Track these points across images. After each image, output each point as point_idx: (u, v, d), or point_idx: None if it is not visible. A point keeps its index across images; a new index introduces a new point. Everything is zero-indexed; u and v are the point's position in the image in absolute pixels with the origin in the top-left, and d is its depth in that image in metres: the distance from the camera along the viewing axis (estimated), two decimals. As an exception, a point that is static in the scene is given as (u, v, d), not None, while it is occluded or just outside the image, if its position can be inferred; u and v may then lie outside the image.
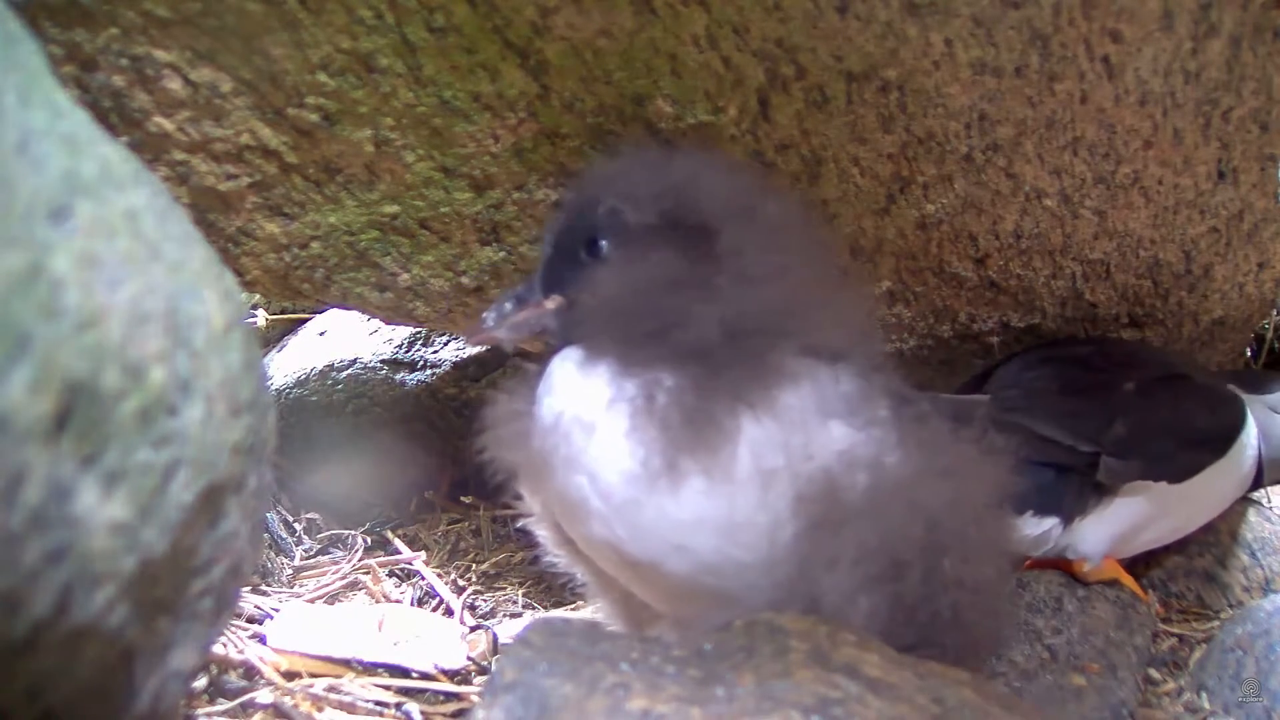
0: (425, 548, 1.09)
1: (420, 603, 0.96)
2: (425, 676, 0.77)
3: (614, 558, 0.63)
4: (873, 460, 0.60)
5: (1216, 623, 0.95)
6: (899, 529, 0.58)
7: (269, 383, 0.64)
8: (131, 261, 0.42)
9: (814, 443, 0.59)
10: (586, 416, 0.60)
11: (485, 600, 0.99)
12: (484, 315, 0.67)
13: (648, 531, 0.60)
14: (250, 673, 0.72)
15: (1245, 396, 0.97)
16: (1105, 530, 0.86)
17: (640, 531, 0.60)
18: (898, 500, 0.59)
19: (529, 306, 0.66)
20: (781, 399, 0.60)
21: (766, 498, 0.58)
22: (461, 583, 1.01)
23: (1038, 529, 0.84)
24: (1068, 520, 0.85)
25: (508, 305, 0.66)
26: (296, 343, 1.39)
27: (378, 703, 0.71)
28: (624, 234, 0.63)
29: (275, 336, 1.45)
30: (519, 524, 1.17)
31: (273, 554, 1.03)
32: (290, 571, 1.01)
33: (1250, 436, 0.94)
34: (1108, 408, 0.86)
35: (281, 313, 1.47)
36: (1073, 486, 0.85)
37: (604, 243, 0.64)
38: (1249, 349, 1.23)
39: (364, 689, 0.72)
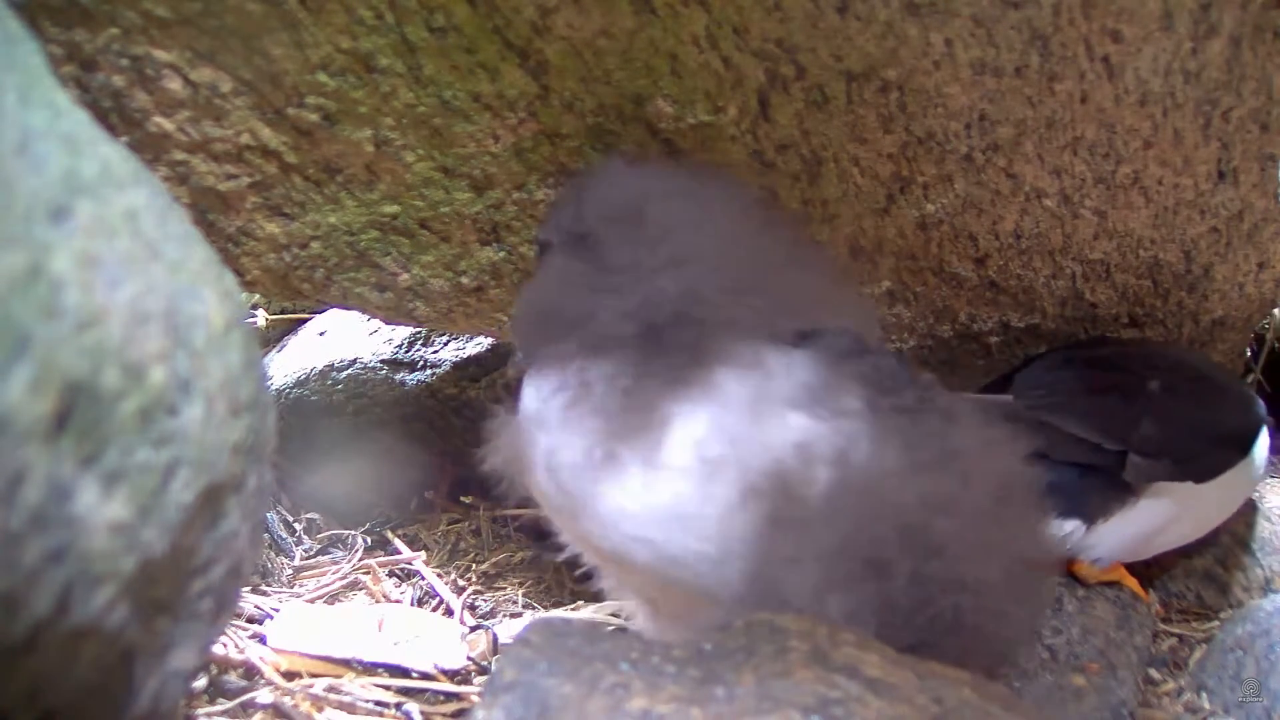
0: (425, 548, 1.09)
1: (420, 603, 0.96)
2: (425, 676, 0.77)
3: (592, 551, 0.65)
4: (838, 454, 0.58)
5: (1216, 623, 0.95)
6: (870, 527, 0.57)
7: (269, 383, 0.64)
8: (131, 261, 0.42)
9: (766, 432, 0.58)
10: (537, 413, 0.64)
11: (485, 600, 0.98)
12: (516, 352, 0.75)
13: (606, 524, 0.61)
14: (250, 673, 0.72)
15: None
16: (1124, 533, 0.86)
17: (600, 524, 0.61)
18: (869, 497, 0.57)
19: None
20: (724, 385, 0.60)
21: (711, 488, 0.58)
22: (461, 583, 1.01)
23: (1059, 532, 0.84)
24: (1090, 523, 0.84)
25: None
26: (296, 343, 1.39)
27: (378, 703, 0.71)
28: (547, 256, 0.71)
29: (275, 336, 1.45)
30: (519, 524, 1.17)
31: (273, 554, 1.03)
32: (290, 571, 1.01)
33: (1265, 436, 0.93)
34: (1135, 406, 0.86)
35: (281, 313, 1.47)
36: (1096, 488, 0.84)
37: None
38: (1249, 349, 1.23)
39: (364, 689, 0.72)
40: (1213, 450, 0.88)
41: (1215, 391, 0.92)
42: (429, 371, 1.26)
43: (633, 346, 0.62)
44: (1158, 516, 0.86)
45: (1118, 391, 0.88)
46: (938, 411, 0.63)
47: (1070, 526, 0.84)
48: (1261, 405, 0.94)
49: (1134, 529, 0.86)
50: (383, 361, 1.27)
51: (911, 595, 0.57)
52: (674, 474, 0.58)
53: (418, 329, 1.29)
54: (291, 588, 0.97)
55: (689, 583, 0.60)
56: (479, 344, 1.25)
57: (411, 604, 0.95)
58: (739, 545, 0.57)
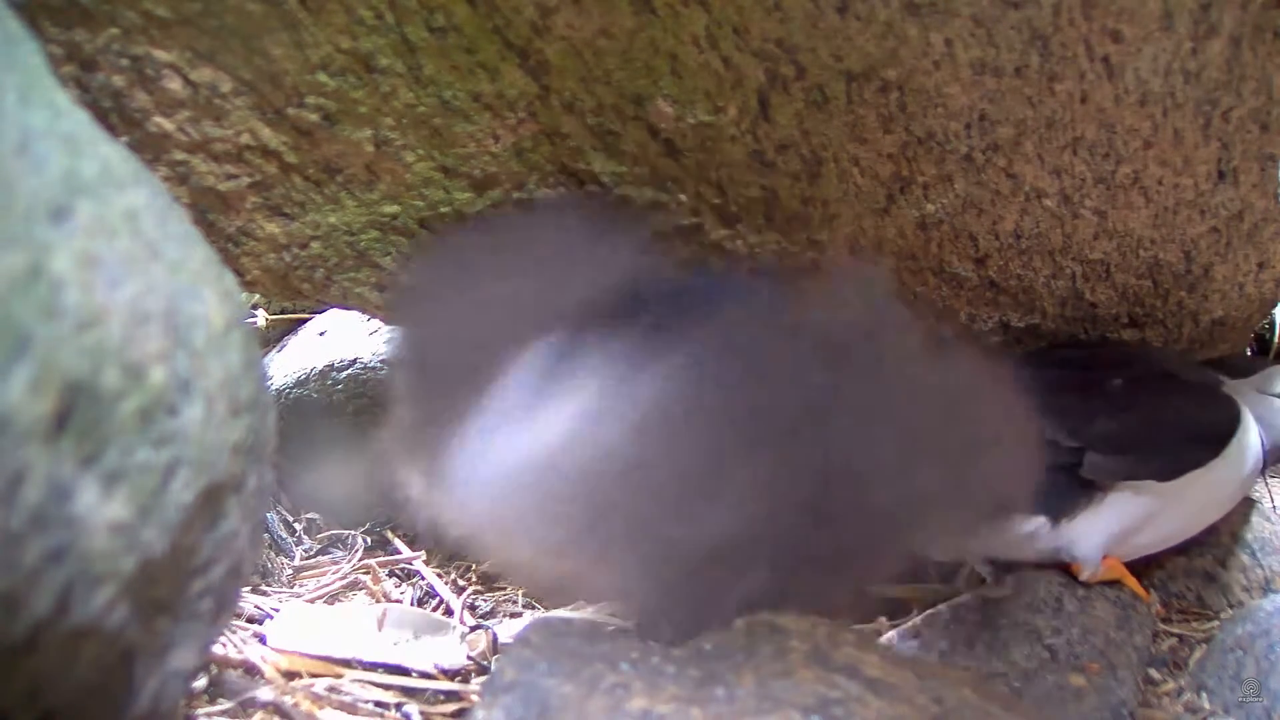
0: (425, 548, 1.09)
1: (420, 603, 0.96)
2: (425, 676, 0.77)
3: None
4: (592, 434, 0.60)
5: (1216, 623, 0.95)
6: (624, 503, 0.59)
7: (269, 383, 0.66)
8: (131, 261, 0.42)
9: (538, 422, 0.61)
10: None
11: (485, 600, 0.98)
12: None
13: (485, 533, 0.65)
14: (250, 672, 0.72)
15: (1232, 382, 0.97)
16: (1098, 531, 0.86)
17: (479, 533, 0.65)
18: (611, 472, 0.59)
19: None
20: (488, 395, 0.64)
21: (514, 484, 0.61)
22: (461, 583, 1.01)
23: (1024, 527, 0.84)
24: (1055, 519, 0.84)
25: None
26: (296, 343, 1.38)
27: (378, 703, 0.71)
28: None
29: (275, 336, 1.45)
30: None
31: (273, 554, 1.03)
32: (290, 571, 1.01)
33: (1250, 436, 0.93)
34: (1093, 404, 0.86)
35: (281, 313, 1.47)
36: (1059, 485, 0.84)
37: None
38: (1249, 349, 1.23)
39: (364, 689, 0.72)
40: (1177, 449, 0.88)
41: (1184, 391, 0.92)
42: (429, 371, 1.26)
43: (419, 398, 0.70)
44: (1129, 515, 0.86)
45: (1078, 390, 0.88)
46: (709, 380, 0.63)
47: (1035, 524, 0.84)
48: (1240, 406, 0.94)
49: (1105, 527, 0.86)
50: (383, 361, 1.27)
51: (724, 566, 0.58)
52: (482, 482, 0.62)
53: (418, 329, 1.29)
54: (291, 588, 0.97)
55: (588, 559, 0.62)
56: (479, 344, 1.25)
57: (411, 604, 0.95)
58: (552, 519, 0.61)
